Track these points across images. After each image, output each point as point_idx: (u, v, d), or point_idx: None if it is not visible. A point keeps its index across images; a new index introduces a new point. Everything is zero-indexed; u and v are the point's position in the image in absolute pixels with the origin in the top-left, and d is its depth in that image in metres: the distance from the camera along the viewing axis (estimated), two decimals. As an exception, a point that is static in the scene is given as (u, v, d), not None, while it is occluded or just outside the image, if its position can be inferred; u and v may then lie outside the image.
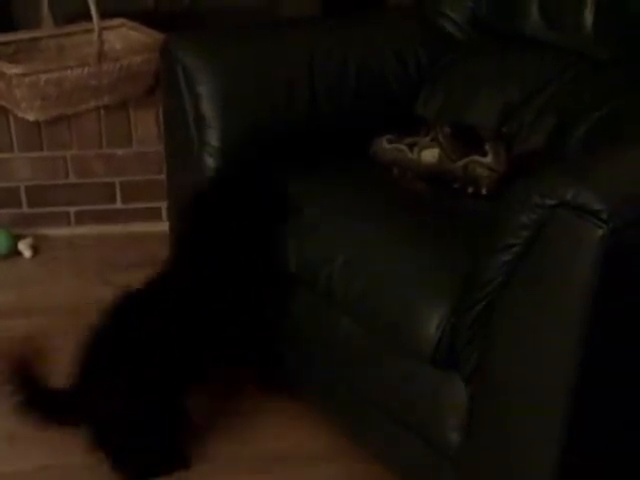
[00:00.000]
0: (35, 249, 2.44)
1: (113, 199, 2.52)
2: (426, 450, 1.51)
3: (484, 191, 1.68)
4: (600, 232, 1.14)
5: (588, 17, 1.80)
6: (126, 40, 2.57)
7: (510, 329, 1.30)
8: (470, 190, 1.70)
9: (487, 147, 1.68)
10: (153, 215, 2.53)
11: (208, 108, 1.80)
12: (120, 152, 2.47)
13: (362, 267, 1.55)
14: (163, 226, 2.36)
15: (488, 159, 1.67)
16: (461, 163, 1.70)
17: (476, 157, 1.69)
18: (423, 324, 1.42)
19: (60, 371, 1.96)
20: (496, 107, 1.84)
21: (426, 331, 1.41)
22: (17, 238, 2.43)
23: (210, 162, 1.82)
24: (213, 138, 1.81)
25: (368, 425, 1.64)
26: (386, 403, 1.56)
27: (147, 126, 2.45)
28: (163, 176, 2.40)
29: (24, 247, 2.42)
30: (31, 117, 2.36)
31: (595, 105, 1.71)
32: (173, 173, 2.02)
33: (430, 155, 1.73)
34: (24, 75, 2.28)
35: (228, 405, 1.89)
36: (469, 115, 1.86)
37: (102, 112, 2.43)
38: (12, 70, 2.28)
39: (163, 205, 2.49)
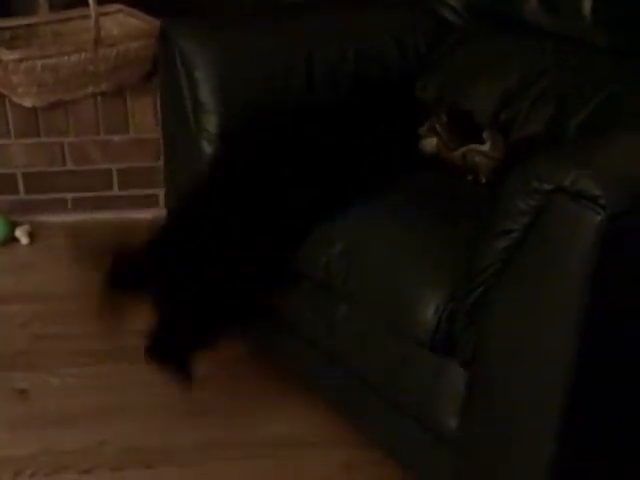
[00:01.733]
0: (32, 236, 2.44)
1: (110, 186, 2.52)
2: (424, 435, 1.51)
3: (483, 179, 1.69)
4: (598, 218, 1.14)
5: (587, 3, 1.80)
6: (123, 26, 2.57)
7: (507, 315, 1.31)
8: (469, 178, 1.71)
9: (485, 135, 1.68)
10: (150, 202, 2.53)
11: (206, 94, 1.80)
12: (117, 139, 2.46)
13: (361, 253, 1.55)
14: (160, 213, 2.36)
15: (486, 147, 1.68)
16: (459, 152, 1.70)
17: (474, 145, 1.69)
18: (421, 309, 1.42)
19: (60, 356, 1.99)
20: (494, 94, 1.84)
21: (424, 316, 1.41)
22: (14, 225, 2.43)
23: (208, 148, 1.82)
24: (211, 124, 1.81)
25: (367, 410, 1.64)
26: (384, 388, 1.56)
27: (144, 113, 2.44)
28: (160, 163, 2.40)
29: (21, 234, 2.42)
30: (28, 103, 2.36)
31: (593, 92, 1.70)
32: (170, 160, 2.02)
33: (429, 144, 1.73)
34: (21, 61, 2.27)
35: (226, 389, 1.90)
36: (467, 101, 1.85)
37: (99, 98, 2.42)
38: (9, 56, 2.27)
39: (160, 192, 2.48)
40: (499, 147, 1.67)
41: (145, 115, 2.44)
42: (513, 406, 1.35)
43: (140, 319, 2.07)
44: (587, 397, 1.30)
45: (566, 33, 1.85)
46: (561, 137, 1.68)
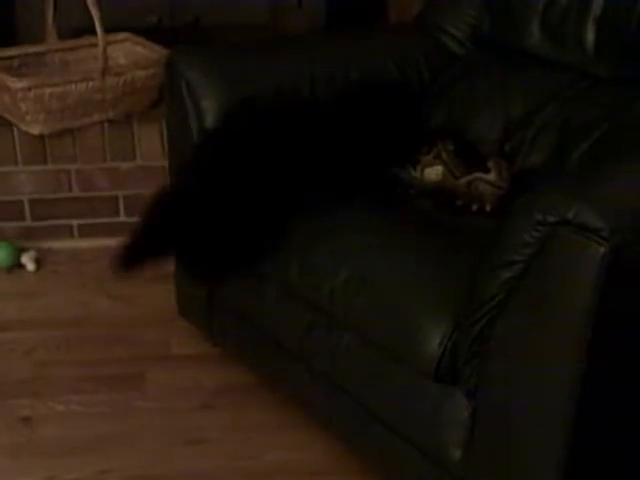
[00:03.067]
0: (38, 262, 2.45)
1: (116, 212, 2.53)
2: (427, 465, 1.51)
3: (488, 208, 1.69)
4: (601, 250, 1.15)
5: (589, 34, 1.81)
6: (130, 55, 2.59)
7: (511, 346, 1.31)
8: (474, 207, 1.71)
9: (490, 164, 1.69)
10: (156, 229, 2.54)
11: (212, 123, 1.81)
12: (124, 166, 2.48)
13: (364, 283, 1.55)
14: (166, 239, 2.38)
15: (491, 176, 1.68)
16: (464, 180, 1.71)
17: (479, 174, 1.69)
18: (425, 340, 1.42)
19: (63, 383, 2.00)
20: (498, 123, 1.85)
21: (428, 347, 1.41)
22: (20, 251, 2.44)
23: (213, 177, 1.83)
24: (217, 153, 1.82)
25: (369, 440, 1.64)
26: (387, 417, 1.56)
27: (151, 140, 2.46)
28: (166, 190, 2.42)
29: (27, 260, 2.43)
30: (35, 131, 2.38)
31: (596, 123, 1.72)
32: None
33: (433, 173, 1.74)
34: (29, 89, 2.29)
35: (229, 418, 1.90)
36: (471, 131, 1.87)
37: (106, 126, 2.44)
38: (17, 84, 2.29)
39: (166, 219, 2.49)
40: (504, 176, 1.68)
41: (151, 143, 2.46)
42: (516, 437, 1.35)
43: (141, 348, 2.11)
44: (590, 431, 1.30)
45: (569, 64, 1.87)
46: (564, 168, 1.69)
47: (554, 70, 1.87)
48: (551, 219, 1.19)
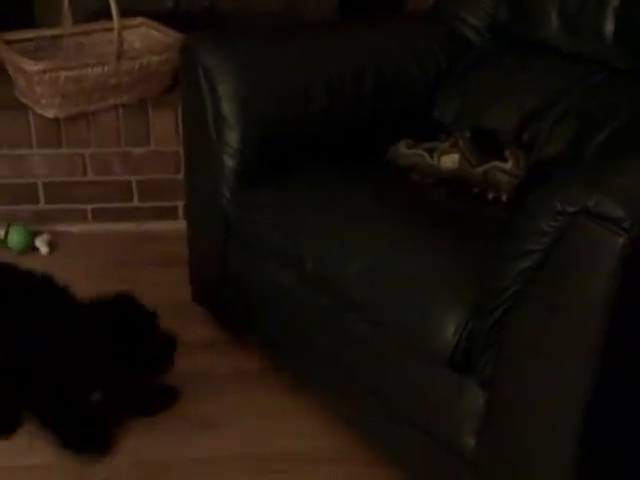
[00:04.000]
0: (51, 245, 2.45)
1: (130, 197, 2.53)
2: (440, 453, 1.51)
3: (504, 197, 1.69)
4: (621, 240, 1.14)
5: (608, 26, 1.80)
6: (145, 39, 2.59)
7: (527, 336, 1.31)
8: (490, 196, 1.71)
9: (507, 153, 1.69)
10: (169, 214, 2.54)
11: (228, 109, 1.81)
12: (138, 151, 2.48)
13: (380, 271, 1.56)
14: (179, 225, 2.38)
15: (508, 165, 1.68)
16: (481, 169, 1.71)
17: (496, 163, 1.69)
18: (441, 329, 1.42)
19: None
20: (514, 114, 1.85)
21: (444, 336, 1.42)
22: (34, 234, 2.45)
23: (229, 163, 1.83)
24: (233, 139, 1.82)
25: (383, 427, 1.64)
26: (401, 405, 1.56)
27: (165, 125, 2.46)
28: (179, 175, 2.42)
29: (41, 243, 2.44)
30: (50, 114, 2.38)
31: (614, 113, 1.71)
32: (191, 173, 2.03)
33: (450, 161, 1.74)
34: (44, 72, 2.29)
35: (238, 404, 1.90)
36: (487, 121, 1.86)
37: (121, 110, 2.44)
38: (32, 67, 2.29)
39: (179, 204, 2.50)
40: (521, 165, 1.67)
41: (166, 127, 2.46)
42: (531, 427, 1.35)
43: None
44: (606, 422, 1.30)
45: (587, 54, 1.86)
46: (582, 158, 1.69)
47: (571, 61, 1.87)
48: (570, 208, 1.19)
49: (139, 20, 2.61)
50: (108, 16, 2.33)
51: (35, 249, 2.43)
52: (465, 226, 1.62)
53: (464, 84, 1.99)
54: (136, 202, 2.54)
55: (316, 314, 1.70)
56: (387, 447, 1.67)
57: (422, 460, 1.57)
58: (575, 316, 1.23)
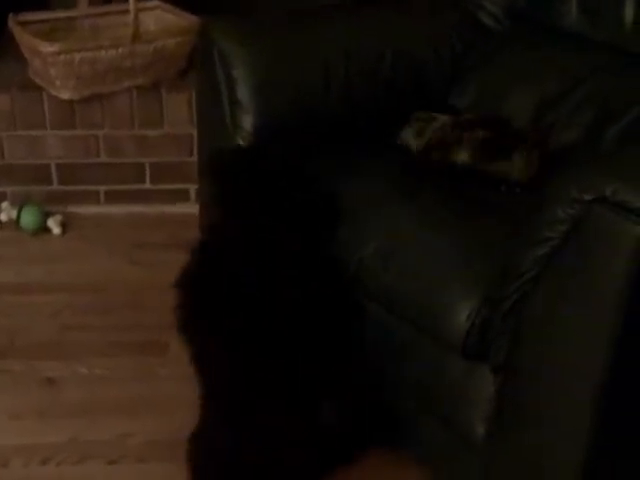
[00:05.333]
0: (64, 226, 2.46)
1: (143, 179, 2.53)
2: (450, 438, 1.51)
3: (518, 190, 1.66)
4: (638, 229, 1.14)
5: (628, 12, 1.79)
6: (160, 22, 2.58)
7: (542, 323, 1.30)
8: (503, 188, 1.68)
9: (517, 154, 1.66)
10: (181, 197, 2.54)
11: (243, 92, 1.80)
12: (151, 133, 2.48)
13: (394, 255, 1.55)
14: (191, 208, 2.38)
15: (520, 165, 1.65)
16: (493, 166, 1.68)
17: (505, 164, 1.66)
18: (454, 314, 1.42)
19: (89, 347, 2.01)
20: (532, 100, 1.83)
21: (457, 321, 1.42)
22: (47, 215, 2.45)
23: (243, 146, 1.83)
24: (247, 122, 1.81)
25: (392, 409, 1.64)
26: (413, 390, 1.56)
27: (179, 108, 2.46)
28: (192, 158, 2.42)
29: (53, 224, 2.44)
30: (65, 95, 2.38)
31: (633, 100, 1.70)
32: (205, 155, 2.03)
33: (463, 154, 1.71)
34: (59, 53, 2.29)
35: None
36: (504, 108, 1.85)
37: (135, 93, 2.44)
38: (47, 48, 2.29)
39: (192, 187, 2.50)
40: (533, 163, 1.65)
41: (179, 110, 2.46)
42: (543, 415, 1.35)
43: (166, 315, 2.11)
44: (618, 410, 1.30)
45: (606, 41, 1.85)
46: (599, 146, 1.68)
47: (591, 48, 1.85)
48: (587, 196, 1.18)
49: (155, 3, 2.61)
50: (123, -2, 2.33)
51: (48, 230, 2.44)
52: (480, 212, 1.60)
53: (481, 70, 1.97)
54: (149, 184, 2.54)
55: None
56: (397, 430, 1.67)
57: (433, 445, 1.58)
58: (591, 305, 1.22)
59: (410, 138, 1.81)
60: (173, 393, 1.88)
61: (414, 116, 1.82)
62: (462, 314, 1.41)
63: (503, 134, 1.73)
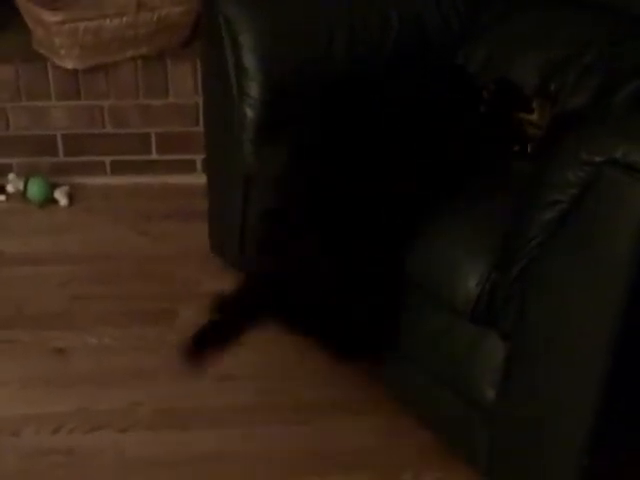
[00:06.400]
0: (71, 197, 2.46)
1: (148, 150, 2.52)
2: (460, 405, 1.52)
3: (529, 149, 1.66)
4: (650, 191, 1.13)
5: (636, -26, 1.77)
6: (164, -10, 2.56)
7: (552, 287, 1.30)
8: (516, 149, 1.68)
9: (534, 104, 1.66)
10: (187, 167, 2.54)
11: (249, 59, 1.79)
12: (156, 103, 2.46)
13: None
14: (197, 178, 2.38)
15: (534, 116, 1.65)
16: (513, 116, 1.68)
17: (522, 114, 1.66)
18: (463, 280, 1.42)
19: (98, 317, 2.01)
20: (539, 64, 1.81)
21: (466, 287, 1.41)
22: (53, 186, 2.45)
23: (250, 114, 1.82)
24: (254, 89, 1.80)
25: (402, 377, 1.64)
26: (422, 356, 1.56)
27: (183, 78, 2.44)
28: (198, 128, 2.40)
29: (60, 195, 2.44)
30: (69, 65, 2.37)
31: (642, 64, 1.68)
32: (211, 125, 2.02)
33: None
34: (63, 23, 2.28)
35: (261, 354, 1.90)
36: (512, 72, 1.83)
37: (139, 62, 2.42)
38: (51, 17, 2.27)
39: (198, 157, 2.49)
40: (547, 116, 1.65)
41: (184, 80, 2.44)
42: (551, 380, 1.35)
43: (173, 284, 2.12)
44: (627, 376, 1.30)
45: (614, 4, 1.83)
46: (608, 109, 1.66)
47: (599, 11, 1.83)
48: (598, 158, 1.17)
49: (158, -29, 2.58)
50: (127, -34, 2.30)
51: (55, 201, 2.44)
52: (488, 179, 1.60)
53: (489, 35, 1.95)
54: (154, 155, 2.53)
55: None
56: (407, 397, 1.67)
57: (442, 412, 1.58)
58: (601, 268, 1.22)
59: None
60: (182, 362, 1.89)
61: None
62: (471, 280, 1.41)
63: (515, 91, 1.73)
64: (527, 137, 1.67)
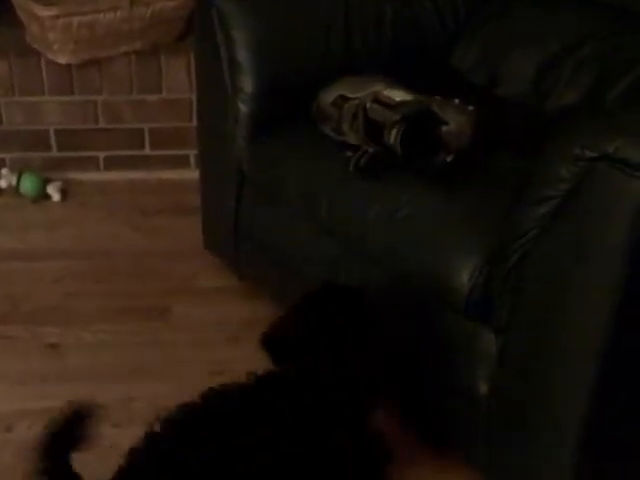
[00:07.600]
0: (64, 193, 2.45)
1: (142, 145, 2.52)
2: (453, 398, 1.52)
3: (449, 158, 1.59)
4: (642, 186, 1.13)
5: (630, -29, 1.77)
6: (158, -15, 2.55)
7: (544, 282, 1.30)
8: (449, 159, 1.59)
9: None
10: (181, 162, 2.53)
11: (243, 54, 1.79)
12: (150, 98, 2.46)
13: (394, 219, 1.55)
14: (190, 174, 2.38)
15: (452, 126, 1.57)
16: None
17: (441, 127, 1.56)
18: (456, 274, 1.42)
19: (92, 313, 2.01)
20: (534, 61, 1.82)
21: (459, 281, 1.41)
22: (46, 181, 2.44)
23: (244, 109, 1.82)
24: (247, 84, 1.80)
25: (395, 370, 1.64)
26: (417, 352, 1.57)
27: (177, 73, 2.44)
28: (192, 124, 2.40)
29: (53, 190, 2.44)
30: (63, 60, 2.36)
31: (635, 60, 1.68)
32: (204, 121, 2.02)
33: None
34: (57, 17, 2.27)
35: (256, 351, 1.90)
36: (505, 68, 1.84)
37: (133, 57, 2.42)
38: (45, 12, 2.27)
39: (191, 153, 2.49)
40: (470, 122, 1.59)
41: (178, 75, 2.44)
42: (545, 374, 1.35)
43: (168, 280, 2.12)
44: (623, 370, 1.30)
45: (607, 1, 1.83)
46: (601, 105, 1.66)
47: (593, 7, 1.83)
48: (590, 154, 1.17)
49: (152, -35, 2.57)
50: (121, -39, 2.30)
51: (48, 196, 2.43)
52: (479, 176, 1.60)
53: (484, 32, 1.96)
54: (148, 150, 2.53)
55: (329, 262, 1.69)
56: (400, 390, 1.67)
57: (435, 404, 1.58)
58: (594, 263, 1.22)
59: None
60: (177, 358, 1.89)
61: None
62: (464, 275, 1.41)
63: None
64: (449, 147, 1.59)
